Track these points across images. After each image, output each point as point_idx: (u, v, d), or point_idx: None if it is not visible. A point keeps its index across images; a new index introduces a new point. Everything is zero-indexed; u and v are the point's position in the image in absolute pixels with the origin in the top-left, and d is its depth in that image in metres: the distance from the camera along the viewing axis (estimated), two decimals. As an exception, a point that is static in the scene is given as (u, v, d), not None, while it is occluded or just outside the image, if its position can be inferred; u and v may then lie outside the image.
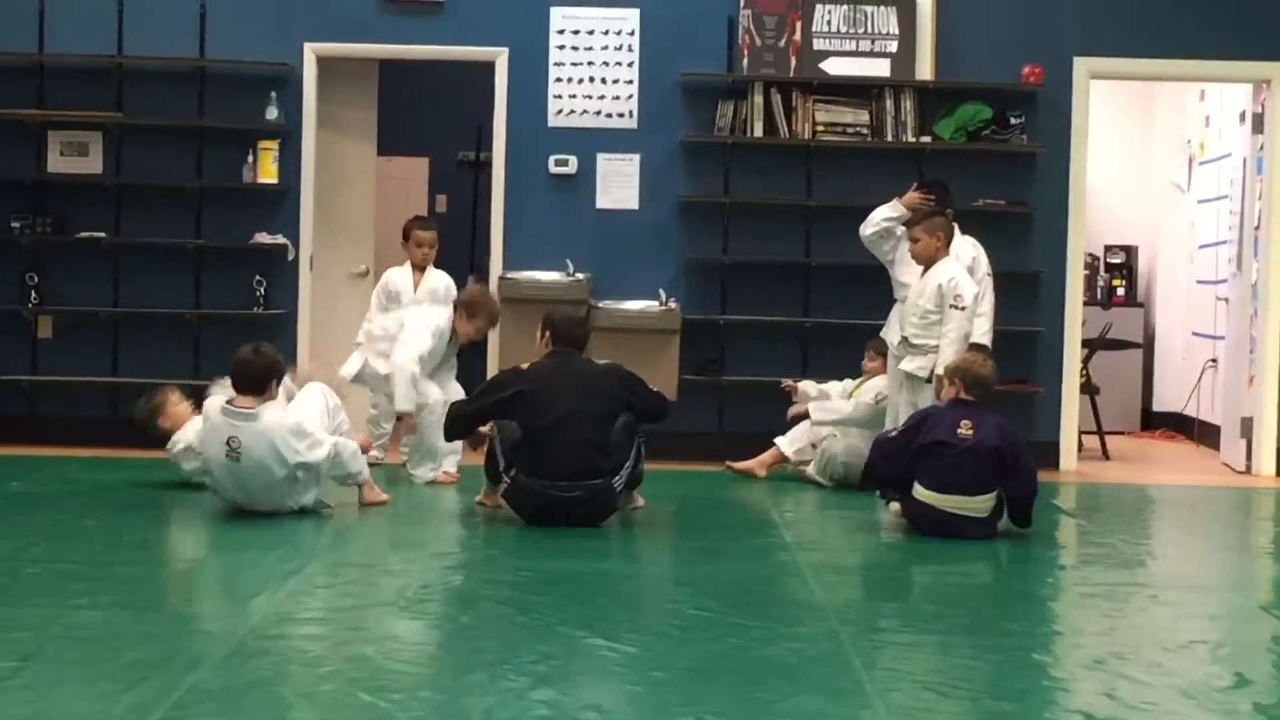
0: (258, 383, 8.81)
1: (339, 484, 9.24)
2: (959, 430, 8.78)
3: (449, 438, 9.69)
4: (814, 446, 10.90)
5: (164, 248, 12.08)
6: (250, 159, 12.04)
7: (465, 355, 11.29)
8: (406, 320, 10.69)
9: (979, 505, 8.76)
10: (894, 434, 9.23)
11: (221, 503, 9.00)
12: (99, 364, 12.12)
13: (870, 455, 9.31)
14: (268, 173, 12.07)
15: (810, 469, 10.80)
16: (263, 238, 12.09)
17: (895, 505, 9.16)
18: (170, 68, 12.14)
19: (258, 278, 12.08)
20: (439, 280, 11.31)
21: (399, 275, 11.29)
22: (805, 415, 10.89)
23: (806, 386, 11.25)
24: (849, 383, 11.14)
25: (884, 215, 10.65)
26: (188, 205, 12.15)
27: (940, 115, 12.14)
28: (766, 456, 11.07)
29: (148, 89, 12.13)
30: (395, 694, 5.35)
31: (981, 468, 8.72)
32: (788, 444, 11.00)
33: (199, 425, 9.15)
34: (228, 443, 8.68)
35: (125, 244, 12.10)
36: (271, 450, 8.68)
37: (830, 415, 10.79)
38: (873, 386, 10.79)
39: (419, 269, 11.29)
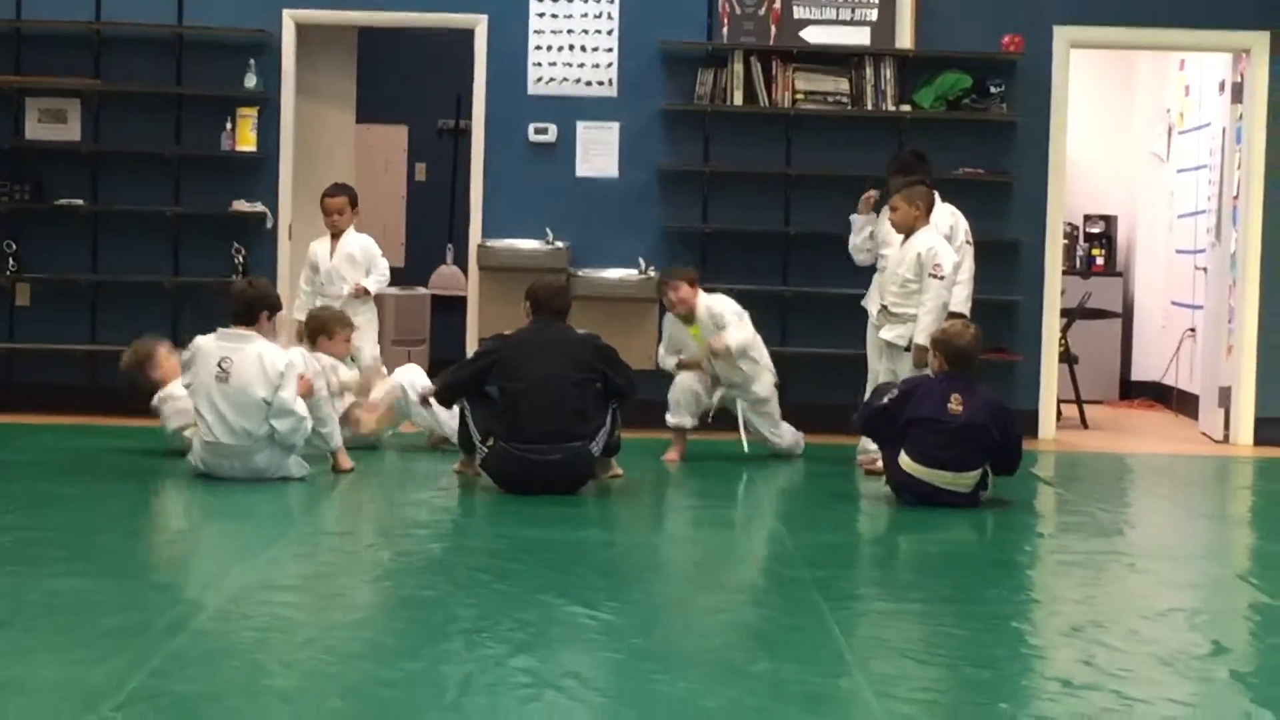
0: (249, 311, 9.05)
1: (314, 448, 9.27)
2: (949, 405, 8.75)
3: (444, 405, 9.73)
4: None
5: (142, 215, 12.06)
6: (229, 126, 12.01)
7: (443, 325, 11.28)
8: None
9: (965, 481, 8.76)
10: (883, 403, 9.23)
11: (200, 470, 8.99)
12: (77, 332, 12.09)
13: (860, 414, 9.32)
14: (246, 140, 12.04)
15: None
16: (241, 205, 12.07)
17: (877, 463, 9.18)
18: (148, 34, 12.10)
19: (236, 245, 12.05)
20: (355, 243, 11.14)
21: (318, 245, 11.17)
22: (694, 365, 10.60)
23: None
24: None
25: (858, 232, 10.61)
26: (166, 173, 12.12)
27: (920, 84, 12.13)
28: (679, 448, 10.66)
29: (126, 56, 12.09)
30: (373, 661, 5.35)
31: (970, 447, 8.71)
32: (676, 419, 10.59)
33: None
34: (219, 364, 8.86)
35: (103, 211, 12.07)
36: (259, 372, 8.83)
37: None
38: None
39: (333, 236, 11.11)
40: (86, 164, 12.10)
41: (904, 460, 8.80)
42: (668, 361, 10.65)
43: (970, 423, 8.71)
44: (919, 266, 9.73)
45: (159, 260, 12.12)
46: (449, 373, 9.48)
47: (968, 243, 10.33)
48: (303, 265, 11.32)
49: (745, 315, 10.43)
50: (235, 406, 8.82)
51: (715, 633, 6.09)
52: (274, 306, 9.29)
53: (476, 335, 11.80)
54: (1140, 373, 15.49)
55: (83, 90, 12.04)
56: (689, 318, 10.42)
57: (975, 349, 9.07)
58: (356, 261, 11.07)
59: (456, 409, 9.75)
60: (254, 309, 9.07)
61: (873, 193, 10.57)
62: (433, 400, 10.05)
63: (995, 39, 12.09)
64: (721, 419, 10.65)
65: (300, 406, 8.88)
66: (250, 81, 12.03)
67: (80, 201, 12.01)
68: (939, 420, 8.73)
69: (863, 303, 10.74)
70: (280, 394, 8.82)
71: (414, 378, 10.46)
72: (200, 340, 9.11)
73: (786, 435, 10.69)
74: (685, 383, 10.49)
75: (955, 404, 8.76)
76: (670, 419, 10.48)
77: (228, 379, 8.85)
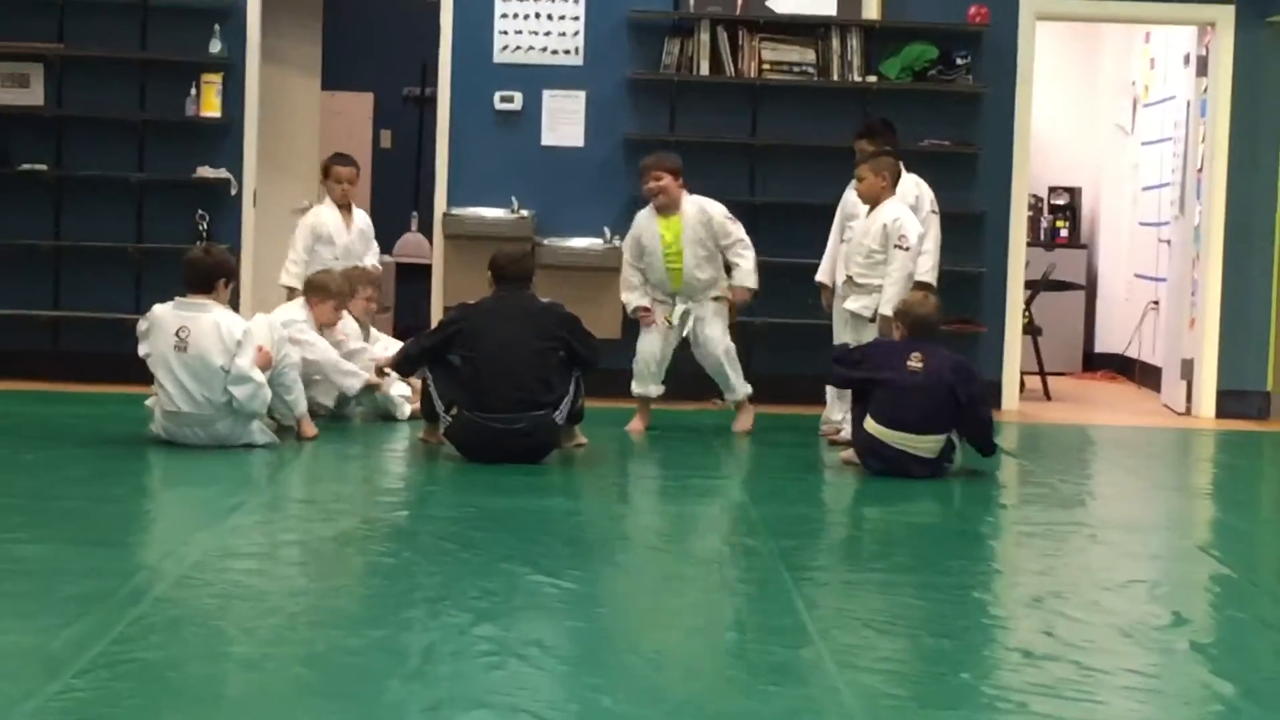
0: (206, 280, 9.01)
1: (278, 416, 9.27)
2: (909, 363, 8.81)
3: (403, 375, 9.93)
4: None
5: (106, 181, 12.00)
6: (193, 92, 11.95)
7: (408, 293, 11.26)
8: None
9: (927, 445, 8.79)
10: (850, 347, 9.36)
11: (162, 438, 8.97)
12: (40, 297, 12.03)
13: (833, 360, 9.38)
14: (211, 106, 11.98)
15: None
16: (206, 171, 12.02)
17: (847, 452, 9.21)
18: (113, -1, 12.05)
19: (200, 212, 12.00)
20: (363, 219, 11.14)
21: (330, 216, 10.85)
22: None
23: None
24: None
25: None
26: (130, 138, 12.06)
27: (886, 55, 12.13)
28: (643, 417, 10.59)
29: (90, 20, 12.01)
30: (336, 629, 5.35)
31: (932, 405, 8.74)
32: (641, 388, 10.50)
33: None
34: (177, 333, 8.84)
35: (66, 177, 12.00)
36: (217, 340, 8.80)
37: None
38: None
39: (343, 207, 10.95)
40: (50, 129, 12.03)
41: (868, 422, 8.85)
42: (631, 277, 10.44)
43: (930, 378, 8.75)
44: (885, 237, 9.74)
45: (123, 226, 12.06)
46: (411, 342, 9.49)
47: (933, 212, 10.34)
48: (270, 231, 11.28)
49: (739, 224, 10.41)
50: (194, 375, 8.80)
51: (678, 602, 6.11)
52: (231, 274, 9.28)
53: (441, 303, 11.79)
54: (1103, 345, 15.55)
55: (46, 54, 11.96)
56: (668, 208, 10.29)
57: (935, 318, 9.13)
58: (366, 237, 11.06)
59: (406, 386, 9.88)
60: (211, 277, 9.03)
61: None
62: (390, 371, 10.04)
63: (961, 10, 12.10)
64: (687, 389, 10.66)
65: (257, 373, 8.86)
66: (215, 47, 11.97)
67: (43, 167, 11.95)
68: (900, 378, 8.78)
69: (816, 277, 10.71)
70: (237, 361, 8.79)
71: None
72: (157, 309, 9.07)
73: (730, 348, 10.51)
74: (648, 350, 10.42)
75: (915, 361, 8.81)
76: (635, 388, 10.44)
77: (186, 348, 8.82)
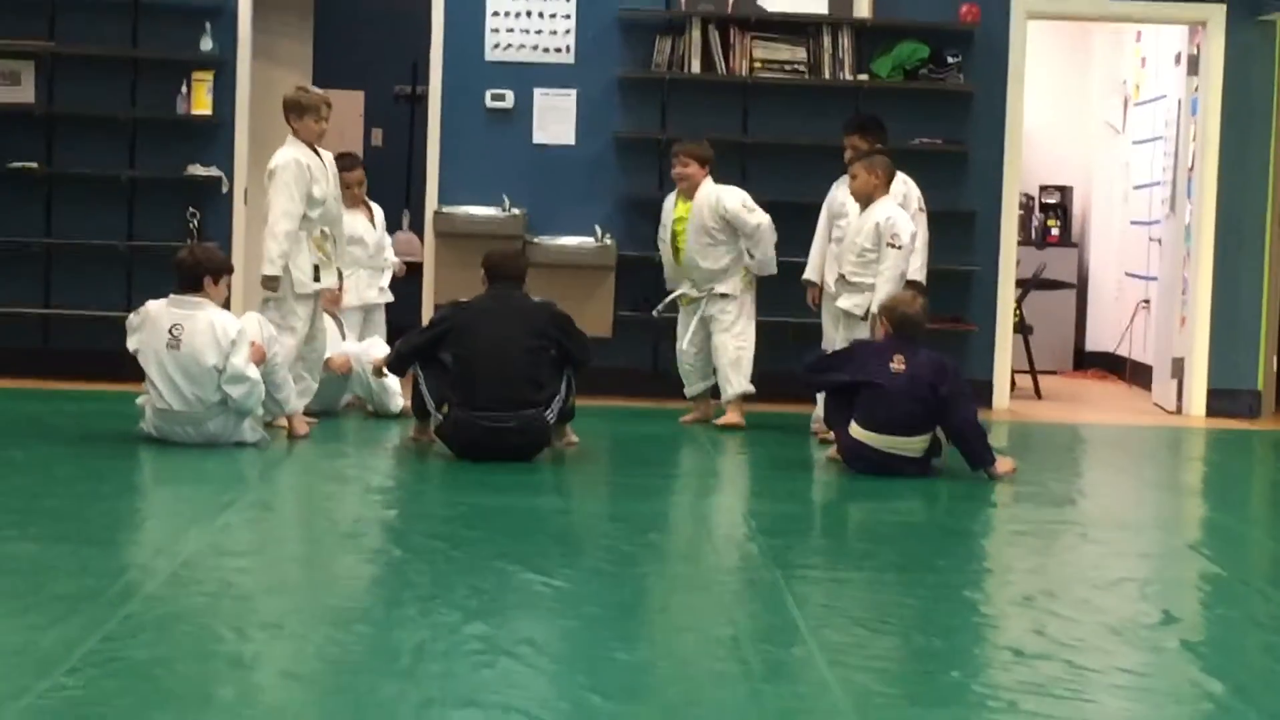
0: (192, 277, 9.02)
1: (269, 413, 9.26)
2: (891, 365, 8.81)
3: (396, 373, 9.86)
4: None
5: (97, 178, 11.98)
6: (184, 90, 11.94)
7: (401, 291, 11.28)
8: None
9: (913, 445, 8.80)
10: (826, 351, 9.41)
11: (153, 435, 8.95)
12: (30, 295, 12.02)
13: (804, 369, 9.39)
14: (202, 104, 11.97)
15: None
16: (196, 169, 12.01)
17: (831, 450, 9.21)
18: (104, -3, 12.03)
19: (191, 209, 11.99)
20: (380, 214, 11.21)
21: (351, 220, 10.61)
22: None
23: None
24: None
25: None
26: (121, 136, 12.04)
27: (878, 53, 12.13)
28: (702, 410, 10.90)
29: (81, 18, 12.00)
30: (327, 627, 5.35)
31: (916, 406, 8.75)
32: (690, 389, 10.93)
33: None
34: (170, 330, 8.84)
35: (57, 174, 11.99)
36: (211, 339, 8.78)
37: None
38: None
39: (362, 206, 10.98)
40: (40, 127, 12.02)
41: (853, 427, 8.84)
42: (665, 250, 10.81)
43: (912, 381, 8.75)
44: (877, 236, 9.74)
45: (113, 224, 12.05)
46: (402, 341, 9.48)
47: (921, 210, 10.36)
48: (261, 228, 11.23)
49: (757, 208, 10.58)
50: (186, 374, 8.79)
51: (669, 601, 6.11)
52: (219, 270, 9.17)
53: (432, 301, 11.78)
54: (1094, 343, 15.55)
55: (37, 52, 11.95)
56: (687, 193, 10.58)
57: (920, 318, 9.11)
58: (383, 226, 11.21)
59: (398, 381, 9.87)
60: (198, 275, 9.02)
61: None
62: (386, 370, 10.01)
63: (953, 9, 12.11)
64: (678, 388, 10.65)
65: (253, 371, 8.85)
66: (206, 45, 11.96)
67: (34, 164, 11.93)
68: (883, 381, 8.78)
69: (804, 275, 10.72)
70: (232, 360, 8.77)
71: (372, 350, 10.40)
72: (151, 305, 9.06)
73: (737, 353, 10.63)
74: (677, 350, 10.83)
75: (898, 363, 8.83)
76: (687, 391, 10.86)
77: (179, 346, 8.81)
